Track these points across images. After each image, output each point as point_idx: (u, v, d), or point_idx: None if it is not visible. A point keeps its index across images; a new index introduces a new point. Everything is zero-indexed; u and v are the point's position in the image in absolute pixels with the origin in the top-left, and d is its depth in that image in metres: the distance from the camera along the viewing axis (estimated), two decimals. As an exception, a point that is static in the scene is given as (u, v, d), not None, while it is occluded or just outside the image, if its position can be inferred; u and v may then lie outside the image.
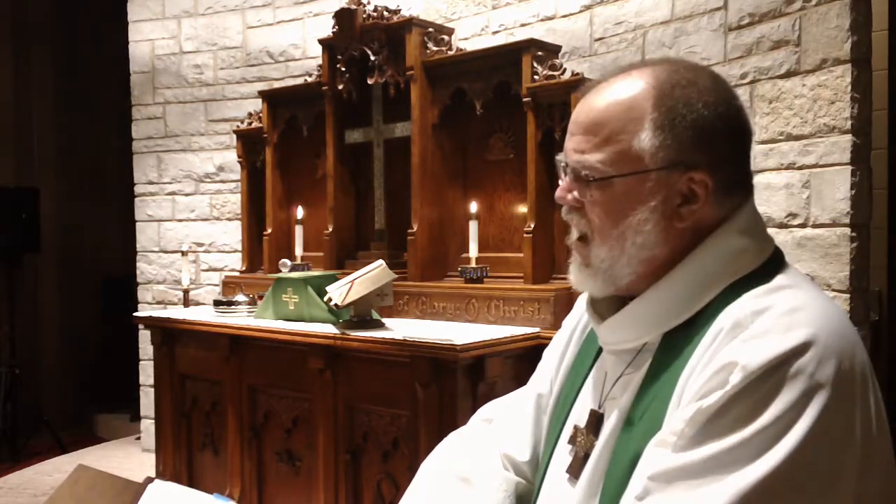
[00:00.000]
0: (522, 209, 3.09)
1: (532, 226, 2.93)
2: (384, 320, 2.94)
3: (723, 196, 1.00)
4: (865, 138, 2.61)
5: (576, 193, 1.05)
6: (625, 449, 0.98)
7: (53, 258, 6.29)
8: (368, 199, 3.64)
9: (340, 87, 3.50)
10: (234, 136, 4.23)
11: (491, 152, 3.23)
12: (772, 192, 2.73)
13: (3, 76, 6.04)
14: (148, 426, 4.70)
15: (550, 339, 1.31)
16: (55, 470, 4.69)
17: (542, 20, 3.50)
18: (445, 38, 3.27)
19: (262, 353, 3.10)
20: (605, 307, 1.10)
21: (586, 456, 1.06)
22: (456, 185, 3.33)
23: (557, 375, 1.23)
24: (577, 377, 1.17)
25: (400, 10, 3.37)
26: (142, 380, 4.95)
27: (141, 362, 4.96)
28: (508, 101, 3.05)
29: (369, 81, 3.40)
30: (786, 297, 0.92)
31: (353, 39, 3.41)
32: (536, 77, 2.92)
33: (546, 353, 1.29)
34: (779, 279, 0.97)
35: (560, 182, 1.09)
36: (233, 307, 3.35)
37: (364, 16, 3.38)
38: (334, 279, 2.98)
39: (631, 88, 1.02)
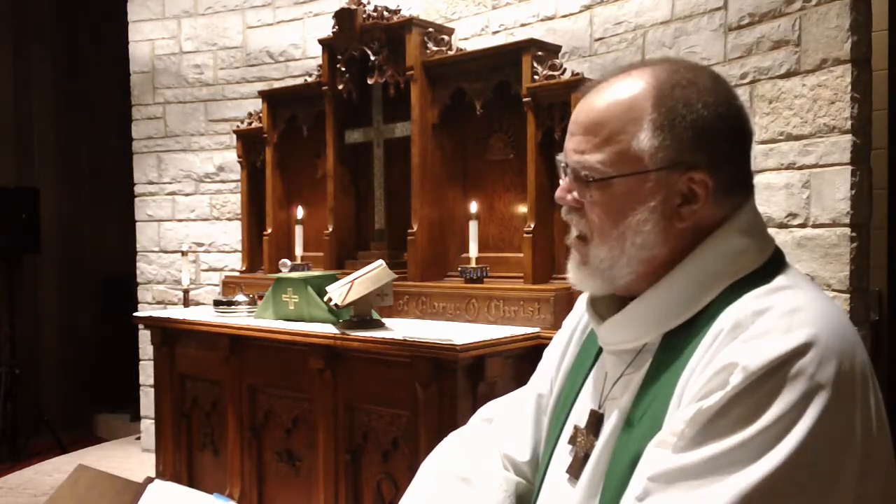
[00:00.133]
0: (522, 209, 3.09)
1: (532, 226, 2.93)
2: (384, 320, 2.94)
3: (723, 196, 1.00)
4: (865, 138, 2.61)
5: (576, 194, 1.05)
6: (625, 449, 0.98)
7: (53, 258, 6.29)
8: (368, 199, 3.64)
9: (340, 87, 3.50)
10: (234, 136, 4.23)
11: (491, 152, 3.23)
12: (772, 192, 2.73)
13: (3, 76, 6.04)
14: (148, 426, 4.70)
15: (550, 339, 1.31)
16: (55, 470, 4.69)
17: (542, 20, 3.50)
18: (445, 38, 3.27)
19: (262, 353, 3.10)
20: (605, 307, 1.10)
21: (586, 456, 1.06)
22: (456, 185, 3.33)
23: (557, 375, 1.23)
24: (577, 377, 1.17)
25: (400, 10, 3.37)
26: (142, 380, 4.95)
27: (141, 362, 4.96)
28: (508, 101, 3.05)
29: (369, 81, 3.40)
30: (786, 297, 0.92)
31: (353, 39, 3.41)
32: (536, 77, 2.92)
33: (546, 353, 1.29)
34: (779, 279, 0.97)
35: (560, 182, 1.09)
36: (233, 307, 3.35)
37: (364, 16, 3.38)
38: (334, 279, 2.98)
39: (631, 88, 1.02)
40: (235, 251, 4.63)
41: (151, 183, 4.95)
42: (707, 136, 0.99)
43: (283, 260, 3.51)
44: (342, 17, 3.45)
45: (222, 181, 4.75)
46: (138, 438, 5.12)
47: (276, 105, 3.94)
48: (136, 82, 4.96)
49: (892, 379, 3.65)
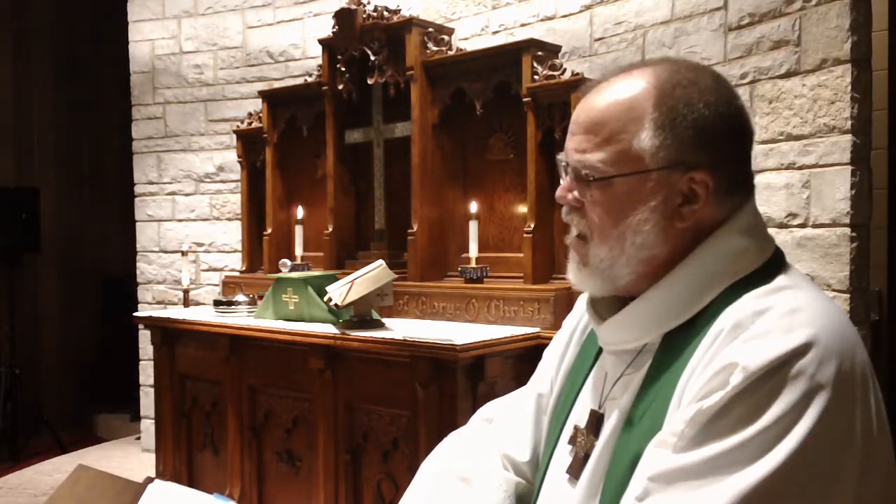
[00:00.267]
0: (522, 209, 3.09)
1: (532, 226, 2.93)
2: (384, 320, 2.94)
3: (724, 196, 1.00)
4: (865, 138, 2.61)
5: (576, 193, 1.05)
6: (625, 449, 0.98)
7: (53, 258, 6.29)
8: (368, 199, 3.64)
9: (340, 87, 3.50)
10: (234, 136, 4.23)
11: (491, 152, 3.23)
12: (772, 192, 2.73)
13: (3, 76, 6.04)
14: (148, 426, 4.70)
15: (550, 339, 1.31)
16: (55, 470, 4.69)
17: (542, 20, 3.50)
18: (445, 38, 3.27)
19: (262, 353, 3.10)
20: (605, 307, 1.10)
21: (586, 456, 1.06)
22: (456, 185, 3.33)
23: (557, 375, 1.23)
24: (577, 377, 1.17)
25: (400, 10, 3.37)
26: (142, 380, 4.95)
27: (141, 362, 4.96)
28: (508, 101, 3.05)
29: (369, 81, 3.40)
30: (786, 297, 0.92)
31: (353, 39, 3.41)
32: (536, 77, 2.92)
33: (546, 353, 1.29)
34: (779, 280, 0.97)
35: (561, 182, 1.09)
36: (233, 307, 3.35)
37: (364, 16, 3.38)
38: (334, 279, 2.98)
39: (631, 88, 1.02)
40: (235, 251, 4.63)
41: (151, 183, 4.95)
42: (708, 135, 0.99)
43: (283, 260, 3.51)
44: (342, 17, 3.45)
45: (222, 181, 4.75)
46: (138, 438, 5.12)
47: (276, 105, 3.94)
48: (136, 82, 4.96)
49: (892, 379, 3.65)
